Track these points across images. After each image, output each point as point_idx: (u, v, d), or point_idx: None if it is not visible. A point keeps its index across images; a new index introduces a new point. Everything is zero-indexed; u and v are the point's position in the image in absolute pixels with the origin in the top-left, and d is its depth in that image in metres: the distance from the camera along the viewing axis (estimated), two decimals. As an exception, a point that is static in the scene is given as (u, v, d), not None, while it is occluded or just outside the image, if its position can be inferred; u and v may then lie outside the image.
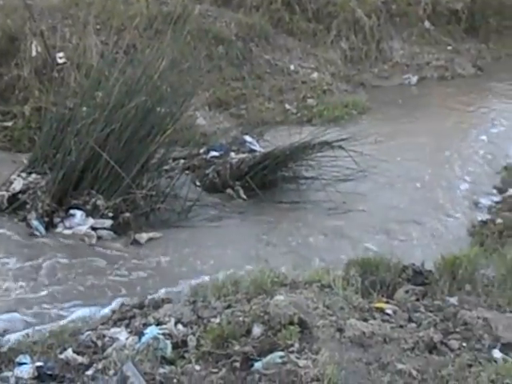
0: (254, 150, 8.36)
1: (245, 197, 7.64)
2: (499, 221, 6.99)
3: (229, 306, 4.10)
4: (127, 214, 6.72)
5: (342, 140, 7.98)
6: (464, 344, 3.79)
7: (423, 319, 4.04)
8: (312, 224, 7.09)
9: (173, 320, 4.02)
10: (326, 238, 6.80)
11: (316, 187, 7.81)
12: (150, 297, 4.73)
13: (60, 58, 8.94)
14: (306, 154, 7.94)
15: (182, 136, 8.15)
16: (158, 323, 4.04)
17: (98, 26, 9.79)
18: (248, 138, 8.74)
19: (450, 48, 13.63)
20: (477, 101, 11.74)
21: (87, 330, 4.26)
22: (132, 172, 6.81)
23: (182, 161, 8.05)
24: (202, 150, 8.33)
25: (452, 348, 3.77)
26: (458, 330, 3.93)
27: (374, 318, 3.99)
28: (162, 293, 5.07)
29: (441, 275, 4.74)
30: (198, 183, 7.82)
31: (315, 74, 11.70)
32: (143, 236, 6.58)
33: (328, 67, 12.20)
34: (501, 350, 3.75)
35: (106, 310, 4.74)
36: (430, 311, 4.20)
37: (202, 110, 9.55)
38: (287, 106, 10.66)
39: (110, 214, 6.71)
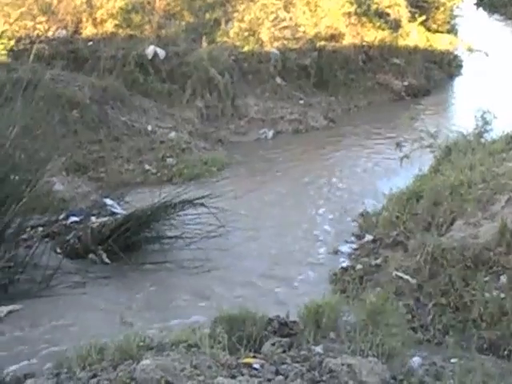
0: (116, 213, 8.27)
1: (108, 261, 7.52)
2: (359, 266, 7.20)
3: (94, 376, 4.01)
4: (-16, 288, 6.46)
5: (203, 197, 8.06)
6: (331, 392, 3.87)
7: (290, 370, 4.09)
8: (177, 284, 7.06)
9: (36, 396, 3.88)
10: (192, 296, 6.77)
11: (180, 246, 7.82)
12: (11, 373, 4.53)
13: None
14: (168, 213, 7.94)
15: (40, 203, 7.94)
16: (20, 401, 3.89)
17: None
18: (108, 201, 8.64)
19: (301, 102, 14.11)
20: (331, 151, 12.17)
21: None
22: (-13, 244, 6.57)
23: (41, 228, 7.83)
24: (61, 216, 8.15)
25: (319, 397, 3.84)
26: (324, 378, 4.00)
27: (242, 374, 4.00)
28: (23, 368, 4.87)
29: (305, 325, 4.83)
30: (58, 250, 7.62)
31: (173, 134, 11.79)
32: (2, 309, 6.31)
33: (185, 126, 12.34)
34: (366, 395, 3.85)
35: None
36: (297, 362, 4.26)
37: (59, 176, 9.37)
38: (147, 167, 10.65)
39: (-34, 289, 6.43)
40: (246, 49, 14.09)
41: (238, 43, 14.18)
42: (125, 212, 8.16)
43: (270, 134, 13.02)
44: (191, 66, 13.04)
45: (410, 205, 7.87)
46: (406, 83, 16.05)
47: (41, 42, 12.07)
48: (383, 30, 16.23)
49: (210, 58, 13.21)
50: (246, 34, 14.45)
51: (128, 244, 7.63)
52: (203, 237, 7.92)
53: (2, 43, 11.48)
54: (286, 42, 14.65)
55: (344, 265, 7.46)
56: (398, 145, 9.38)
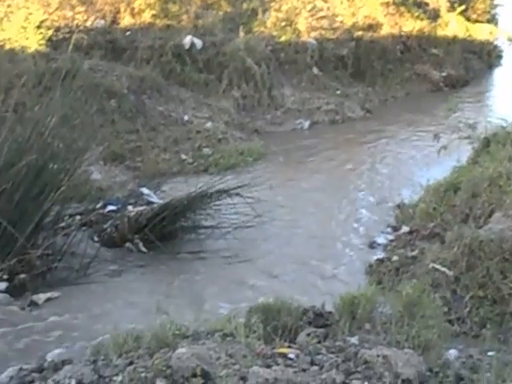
0: (152, 202, 8.32)
1: (144, 250, 7.57)
2: (395, 258, 7.16)
3: (131, 363, 4.04)
4: (23, 275, 6.52)
5: (239, 187, 8.06)
6: (366, 383, 3.85)
7: (325, 361, 4.08)
8: (212, 273, 7.08)
9: (73, 382, 3.92)
10: (227, 286, 6.79)
11: (215, 236, 7.84)
12: (49, 359, 4.59)
13: None
14: (204, 203, 7.97)
15: (78, 192, 8.01)
16: (58, 386, 3.93)
17: (-15, 86, 9.60)
18: (145, 191, 8.70)
19: (338, 92, 14.05)
20: (368, 142, 12.10)
21: (-17, 400, 4.11)
22: (26, 232, 6.62)
23: (79, 217, 7.90)
24: (98, 205, 8.22)
25: (355, 388, 3.82)
26: (359, 369, 3.98)
27: (277, 364, 4.00)
28: (61, 354, 4.92)
29: (341, 315, 4.82)
30: (95, 239, 7.69)
31: (209, 124, 11.82)
32: (41, 297, 6.39)
33: (222, 116, 12.37)
34: (401, 386, 3.83)
35: (3, 377, 4.57)
36: (332, 352, 4.25)
37: (96, 165, 9.46)
38: (183, 156, 10.69)
39: (5, 276, 6.48)
40: (282, 39, 14.06)
41: (275, 33, 14.17)
42: (161, 201, 8.20)
43: (307, 124, 13.00)
44: (228, 56, 13.07)
45: (448, 196, 7.79)
46: (444, 74, 15.90)
47: (79, 31, 12.19)
48: (422, 19, 16.09)
49: (246, 48, 13.21)
50: (283, 23, 14.42)
51: (164, 233, 7.67)
52: (239, 227, 7.94)
53: (41, 33, 11.60)
54: (323, 32, 14.61)
55: (380, 256, 7.42)
56: (436, 136, 9.27)
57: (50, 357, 4.70)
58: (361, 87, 14.64)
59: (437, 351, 4.47)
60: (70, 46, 9.77)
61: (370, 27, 15.26)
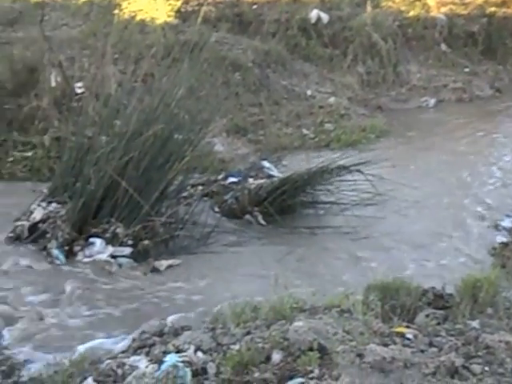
0: (272, 176, 8.37)
1: (263, 222, 7.63)
2: (521, 242, 6.94)
3: (248, 333, 4.08)
4: (146, 242, 6.71)
5: (360, 164, 7.97)
6: (486, 368, 3.74)
7: (444, 343, 3.99)
8: (331, 249, 7.06)
9: (192, 347, 4.00)
10: (345, 262, 6.76)
11: (334, 212, 7.81)
12: (169, 324, 4.71)
13: (79, 87, 9.05)
14: (324, 178, 7.94)
15: (200, 163, 8.17)
16: (178, 351, 4.02)
17: (116, 56, 9.91)
18: (266, 164, 8.76)
19: (467, 70, 13.66)
20: (496, 122, 11.73)
21: (107, 359, 4.25)
22: (151, 199, 6.81)
23: (201, 187, 8.06)
24: (220, 177, 8.35)
25: (474, 372, 3.72)
26: (479, 353, 3.87)
27: (395, 343, 3.94)
28: (180, 320, 5.05)
29: (462, 298, 4.69)
30: (216, 209, 7.82)
31: (332, 99, 11.74)
32: (163, 263, 6.56)
33: (345, 91, 12.27)
34: (524, 374, 3.71)
35: (127, 338, 4.74)
36: (452, 335, 4.15)
37: (219, 137, 9.59)
38: (305, 131, 10.68)
39: (130, 242, 6.70)
40: (411, 14, 13.79)
41: (403, 8, 13.91)
42: (281, 175, 8.23)
43: (432, 102, 12.72)
44: (354, 30, 12.94)
45: None
46: None
47: (208, 4, 12.35)
48: (562, -6, 15.35)
49: (373, 22, 13.04)
50: (412, -2, 14.14)
51: (283, 207, 7.70)
52: (359, 204, 7.87)
53: (170, 4, 11.82)
54: (453, 7, 14.21)
55: (504, 239, 7.19)
56: None
57: (170, 322, 4.82)
58: (491, 65, 14.16)
59: None
60: (199, 19, 9.91)
61: (504, 3, 14.71)
